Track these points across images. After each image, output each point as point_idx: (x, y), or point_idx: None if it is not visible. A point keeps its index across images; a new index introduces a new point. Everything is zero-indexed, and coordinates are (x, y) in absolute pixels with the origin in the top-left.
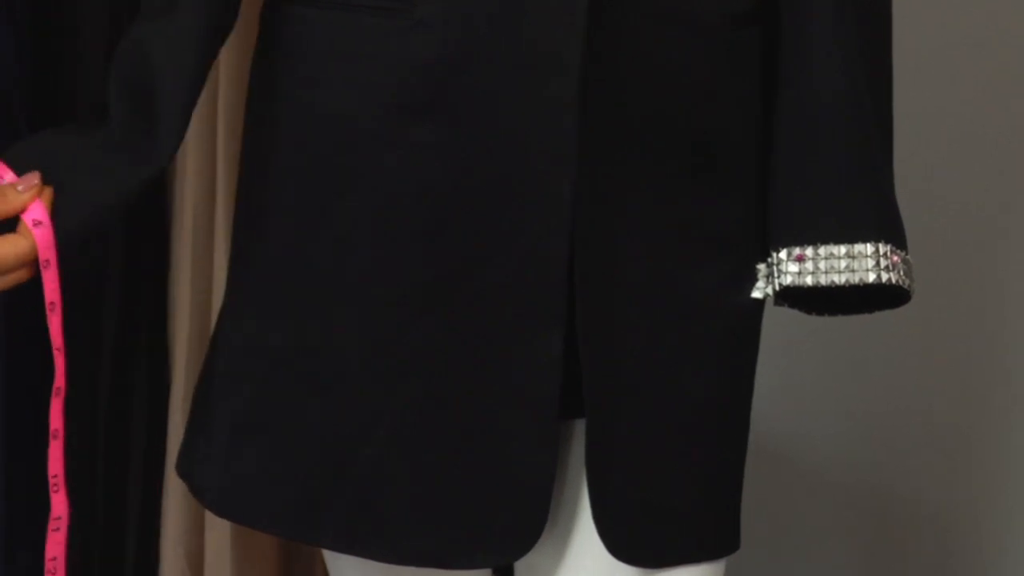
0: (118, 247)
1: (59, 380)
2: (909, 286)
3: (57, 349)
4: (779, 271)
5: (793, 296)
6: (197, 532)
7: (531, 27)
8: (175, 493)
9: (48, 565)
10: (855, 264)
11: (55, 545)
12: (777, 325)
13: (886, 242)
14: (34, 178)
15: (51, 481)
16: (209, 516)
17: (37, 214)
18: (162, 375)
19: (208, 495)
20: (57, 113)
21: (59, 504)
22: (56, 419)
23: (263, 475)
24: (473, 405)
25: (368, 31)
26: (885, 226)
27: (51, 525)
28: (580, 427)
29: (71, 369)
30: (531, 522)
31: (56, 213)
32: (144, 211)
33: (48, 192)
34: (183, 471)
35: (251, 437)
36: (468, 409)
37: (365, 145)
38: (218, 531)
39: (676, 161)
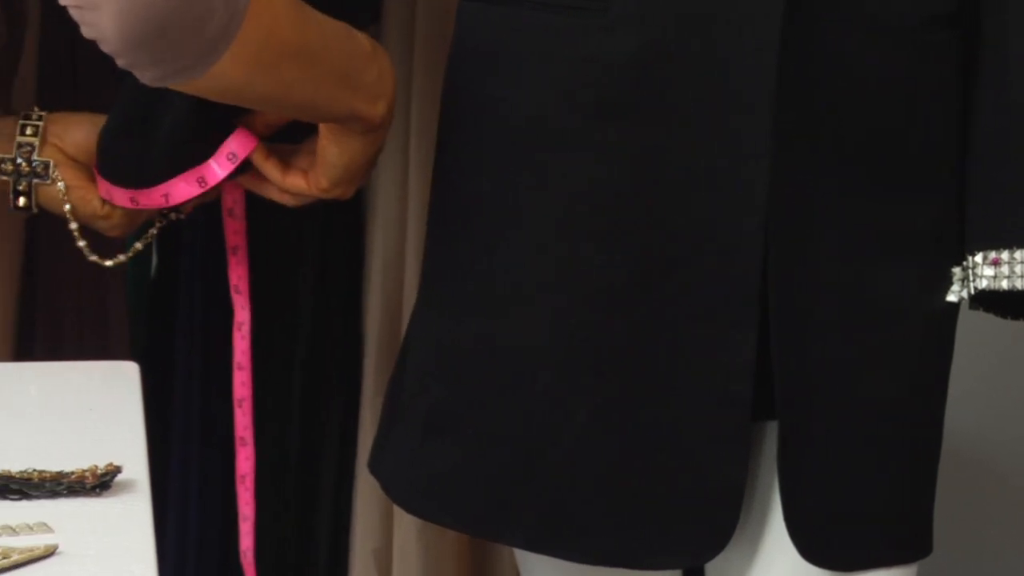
0: (313, 248)
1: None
2: None
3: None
4: (974, 275)
5: (988, 300)
6: (385, 530)
7: (726, 26)
8: (365, 490)
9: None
10: None
11: (245, 536)
12: (970, 326)
13: None
14: None
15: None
16: (398, 513)
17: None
18: (354, 373)
19: (398, 492)
20: None
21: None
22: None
23: (454, 473)
24: (664, 406)
25: (560, 30)
26: None
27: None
28: (769, 429)
29: (265, 372)
30: (722, 524)
31: None
32: (338, 211)
33: None
34: (374, 468)
35: (442, 435)
36: (659, 410)
37: (556, 144)
38: (405, 529)
39: (870, 161)
